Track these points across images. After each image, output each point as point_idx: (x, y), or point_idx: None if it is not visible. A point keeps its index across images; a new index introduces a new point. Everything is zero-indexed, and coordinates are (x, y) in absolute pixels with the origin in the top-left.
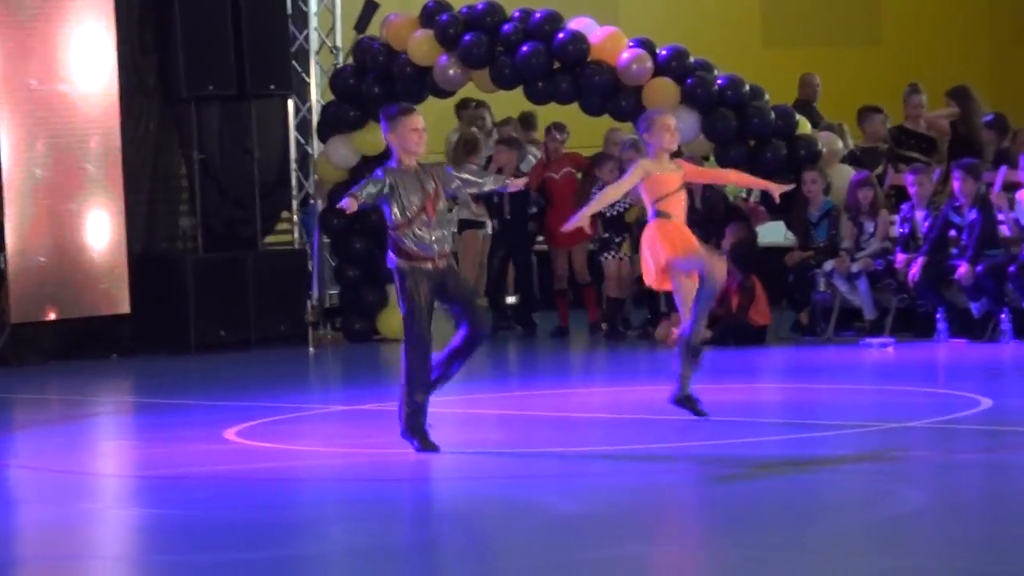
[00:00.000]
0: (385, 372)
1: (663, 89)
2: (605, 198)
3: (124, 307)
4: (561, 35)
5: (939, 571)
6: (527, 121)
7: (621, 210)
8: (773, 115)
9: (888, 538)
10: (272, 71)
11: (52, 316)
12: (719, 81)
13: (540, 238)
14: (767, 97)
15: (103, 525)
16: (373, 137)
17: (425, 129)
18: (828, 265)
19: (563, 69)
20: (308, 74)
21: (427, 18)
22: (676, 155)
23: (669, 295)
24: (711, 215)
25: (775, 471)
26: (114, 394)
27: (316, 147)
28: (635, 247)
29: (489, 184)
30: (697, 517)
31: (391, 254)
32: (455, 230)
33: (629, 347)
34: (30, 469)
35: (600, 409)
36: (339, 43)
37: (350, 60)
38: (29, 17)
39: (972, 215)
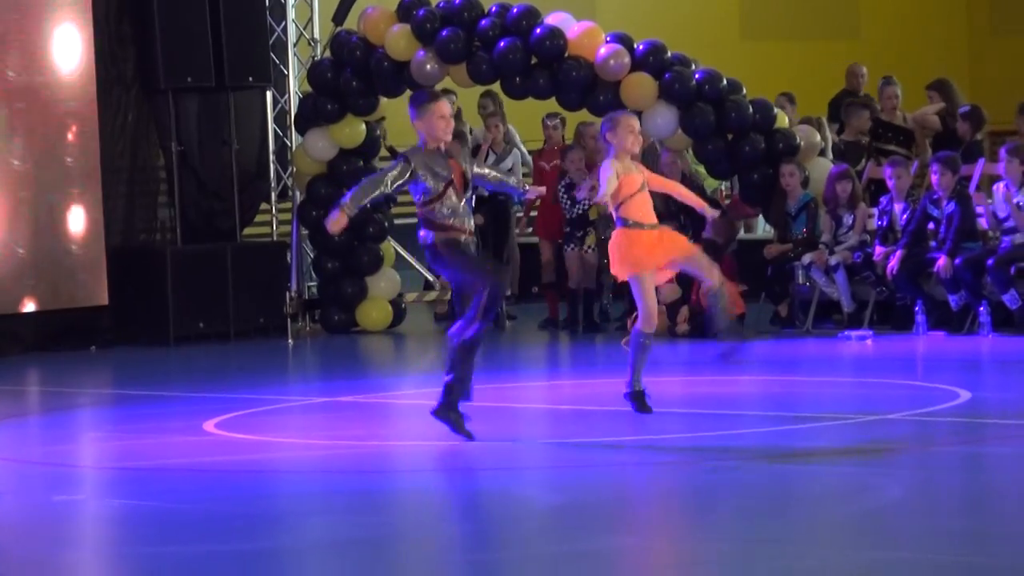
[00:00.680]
0: (364, 364)
1: (641, 84)
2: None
3: (103, 299)
4: (538, 31)
5: (918, 563)
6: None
7: (584, 209)
8: (751, 109)
9: (867, 530)
10: (250, 63)
11: (31, 308)
12: (697, 76)
13: (529, 230)
14: (744, 91)
15: (81, 516)
16: (351, 130)
17: (452, 116)
18: (807, 258)
19: (540, 65)
20: (286, 66)
21: (404, 13)
22: (650, 153)
23: None
24: (689, 209)
25: (754, 463)
26: (93, 386)
27: (294, 139)
28: (599, 240)
29: (509, 185)
30: (677, 509)
31: (425, 231)
32: None
33: (608, 339)
34: (8, 460)
35: (580, 401)
36: (317, 35)
37: (327, 53)
38: (6, 8)
39: (950, 208)
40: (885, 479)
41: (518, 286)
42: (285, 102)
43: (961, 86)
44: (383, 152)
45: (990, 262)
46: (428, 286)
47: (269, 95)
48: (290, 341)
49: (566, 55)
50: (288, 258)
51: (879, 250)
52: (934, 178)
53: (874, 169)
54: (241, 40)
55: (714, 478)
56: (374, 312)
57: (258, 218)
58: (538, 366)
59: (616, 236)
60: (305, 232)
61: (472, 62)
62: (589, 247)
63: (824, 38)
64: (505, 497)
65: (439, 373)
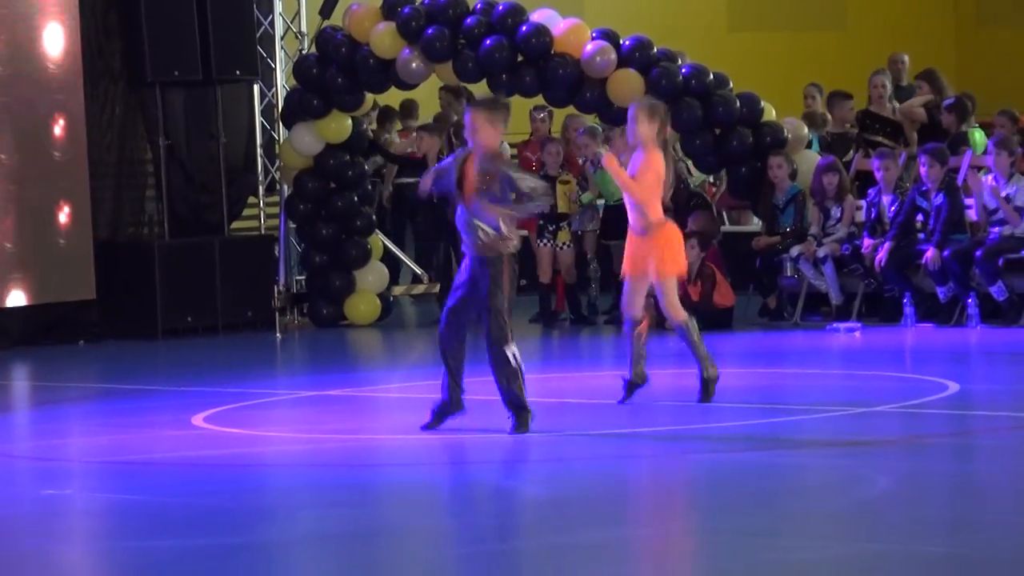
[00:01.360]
0: (352, 358)
1: (627, 80)
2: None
3: (90, 293)
4: (524, 28)
5: (906, 554)
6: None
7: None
8: (738, 103)
9: (857, 521)
10: (237, 56)
11: (18, 302)
12: (683, 71)
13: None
14: (731, 85)
15: (70, 510)
16: (337, 125)
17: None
18: (795, 250)
19: (527, 62)
20: (273, 59)
21: (389, 10)
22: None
23: None
24: (674, 201)
25: (743, 455)
26: (81, 380)
27: (282, 132)
28: (573, 236)
29: (534, 203)
30: (665, 501)
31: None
32: None
33: (596, 332)
34: None
35: (566, 394)
36: (304, 29)
37: (313, 49)
38: None
39: (938, 200)
40: (874, 471)
41: None
42: (273, 95)
43: (948, 77)
44: (392, 144)
45: (978, 254)
46: (416, 279)
47: (256, 88)
48: (278, 335)
49: (552, 52)
50: (276, 252)
51: (867, 242)
52: (923, 170)
53: (862, 161)
54: (228, 33)
55: (704, 470)
56: (362, 306)
57: (246, 212)
58: (528, 359)
59: (672, 231)
60: (293, 226)
61: (458, 60)
62: (564, 243)
63: (811, 29)
64: (495, 490)
65: (427, 366)
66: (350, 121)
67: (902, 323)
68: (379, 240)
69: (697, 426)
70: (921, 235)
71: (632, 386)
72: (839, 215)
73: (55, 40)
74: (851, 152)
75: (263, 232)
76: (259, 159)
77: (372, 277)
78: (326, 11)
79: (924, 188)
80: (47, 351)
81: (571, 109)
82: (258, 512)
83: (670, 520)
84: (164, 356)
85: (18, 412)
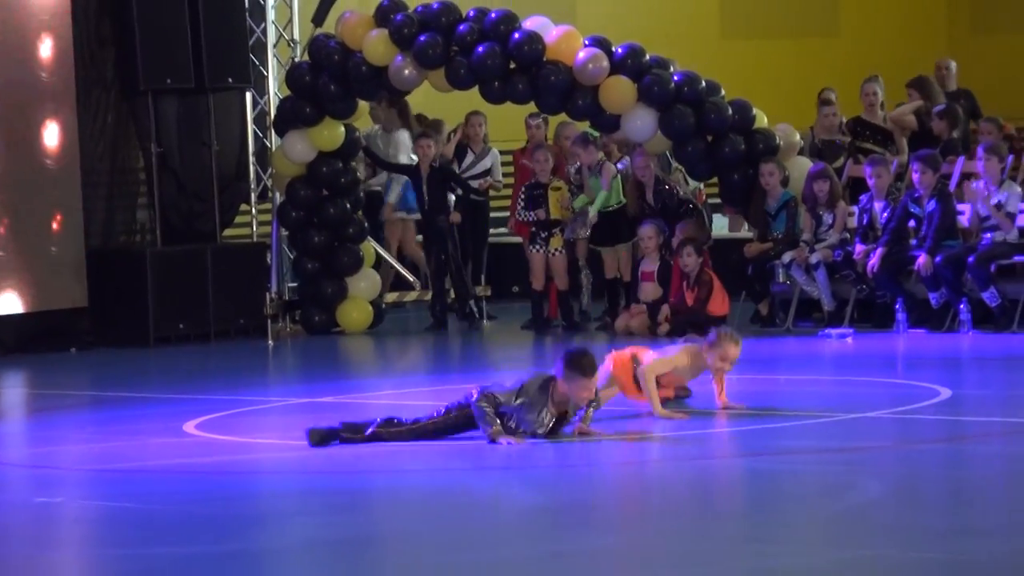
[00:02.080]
0: (344, 365)
1: (619, 88)
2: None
3: (83, 301)
4: (516, 35)
5: (899, 560)
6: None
7: (543, 216)
8: (730, 110)
9: (848, 528)
10: (230, 64)
11: (10, 310)
12: (675, 78)
13: (499, 230)
14: (723, 92)
15: (62, 518)
16: (329, 132)
17: None
18: (787, 256)
19: (519, 69)
20: (266, 67)
21: (382, 17)
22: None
23: (629, 287)
24: (663, 210)
25: (736, 461)
26: (73, 387)
27: (274, 140)
28: (566, 242)
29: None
30: (656, 507)
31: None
32: None
33: (589, 339)
34: None
35: None
36: (296, 36)
37: (306, 56)
38: None
39: (931, 206)
40: (867, 476)
41: (495, 285)
42: (265, 103)
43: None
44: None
45: (970, 260)
46: (408, 287)
47: (249, 96)
48: (270, 342)
49: (544, 60)
50: (268, 259)
51: (859, 248)
52: (915, 176)
53: (854, 167)
54: (221, 41)
55: (696, 476)
56: (354, 313)
57: (238, 219)
58: (520, 366)
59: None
60: (285, 233)
61: (450, 67)
62: (556, 249)
63: (804, 36)
64: (484, 497)
65: (418, 373)
66: (343, 128)
67: (894, 329)
68: (371, 247)
69: (689, 432)
70: (913, 241)
71: None
72: (831, 221)
73: (47, 48)
74: (841, 159)
75: (255, 240)
76: (251, 167)
77: (364, 284)
78: (319, 19)
79: (916, 194)
80: (39, 359)
81: (564, 116)
82: (250, 519)
83: (662, 526)
84: (156, 363)
85: (10, 420)
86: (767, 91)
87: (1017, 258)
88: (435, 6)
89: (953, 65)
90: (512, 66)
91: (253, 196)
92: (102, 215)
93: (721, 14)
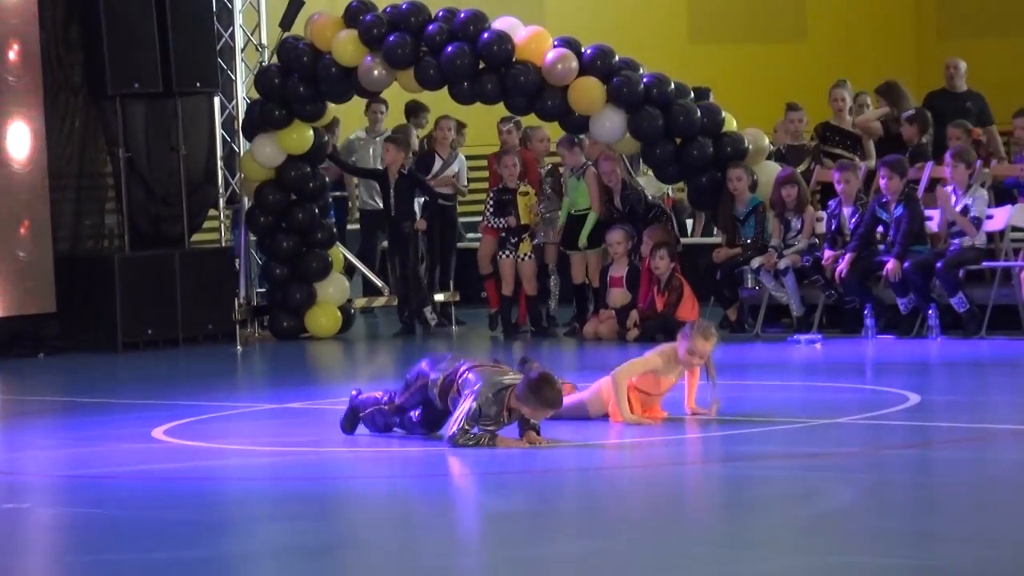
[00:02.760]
0: (313, 370)
1: (588, 88)
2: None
3: (50, 306)
4: (486, 35)
5: (869, 567)
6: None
7: (513, 223)
8: (699, 113)
9: (819, 534)
10: (198, 68)
11: None
12: (644, 80)
13: (472, 235)
14: (692, 95)
15: (29, 524)
16: (299, 135)
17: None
18: (755, 262)
19: (488, 69)
20: (234, 72)
21: (351, 18)
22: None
23: (597, 292)
24: (631, 214)
25: (704, 467)
26: (41, 393)
27: (242, 145)
28: (535, 248)
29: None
30: (629, 514)
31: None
32: None
33: (556, 344)
34: None
35: None
36: (264, 41)
37: (275, 59)
38: None
39: (898, 211)
40: (836, 482)
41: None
42: (233, 107)
43: (909, 88)
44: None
45: (939, 265)
46: (376, 291)
47: (217, 101)
48: (239, 347)
49: (513, 60)
50: (236, 264)
51: (828, 254)
52: (882, 182)
53: (822, 172)
54: (189, 45)
55: (666, 482)
56: (323, 318)
57: (206, 224)
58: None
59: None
60: (253, 238)
61: (419, 67)
62: (525, 255)
63: (772, 41)
64: (459, 502)
65: (387, 378)
66: (311, 132)
67: (863, 335)
68: (339, 252)
69: (659, 438)
70: (882, 247)
71: None
72: (799, 227)
73: (14, 52)
74: (806, 163)
75: (223, 244)
76: (219, 171)
77: (333, 289)
78: (286, 23)
79: (884, 200)
80: (7, 364)
81: (533, 119)
82: (219, 525)
83: (635, 533)
84: (124, 369)
85: None
86: (735, 96)
87: (985, 264)
88: (404, 6)
89: (963, 66)
90: (481, 66)
91: (221, 201)
92: (70, 220)
93: (689, 18)
